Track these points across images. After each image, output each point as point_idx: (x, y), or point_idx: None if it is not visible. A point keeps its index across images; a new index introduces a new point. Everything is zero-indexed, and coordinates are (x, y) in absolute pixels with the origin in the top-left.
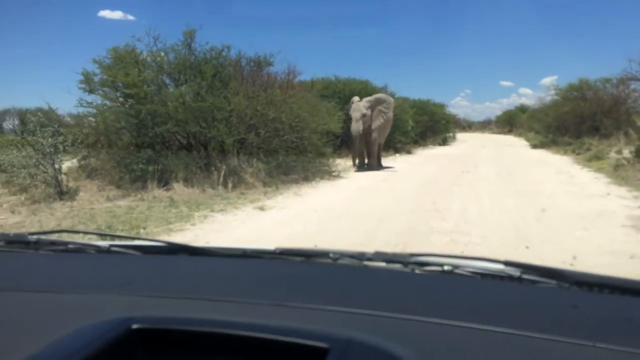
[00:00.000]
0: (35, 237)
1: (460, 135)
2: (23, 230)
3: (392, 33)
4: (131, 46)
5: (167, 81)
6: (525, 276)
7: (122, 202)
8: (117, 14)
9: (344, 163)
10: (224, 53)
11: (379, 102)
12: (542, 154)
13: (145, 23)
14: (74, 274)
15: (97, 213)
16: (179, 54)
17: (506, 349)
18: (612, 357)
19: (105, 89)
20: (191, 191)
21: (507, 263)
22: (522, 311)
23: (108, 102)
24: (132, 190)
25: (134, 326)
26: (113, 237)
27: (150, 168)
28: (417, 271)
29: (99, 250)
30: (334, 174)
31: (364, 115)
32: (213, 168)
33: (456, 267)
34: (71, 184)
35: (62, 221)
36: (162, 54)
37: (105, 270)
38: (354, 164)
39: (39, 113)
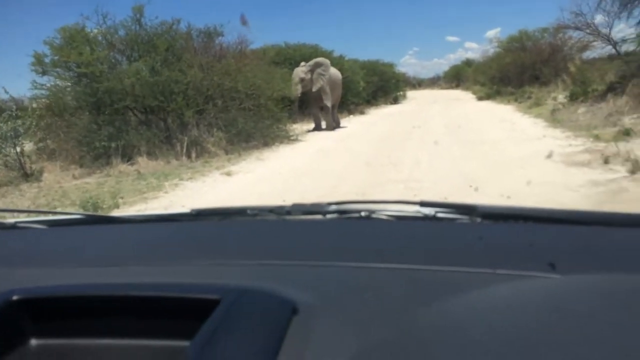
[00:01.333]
0: None
1: (411, 93)
2: None
3: None
4: (81, 25)
5: (120, 58)
6: (440, 214)
7: (90, 180)
8: None
9: (300, 127)
10: (174, 27)
11: (317, 65)
12: (487, 105)
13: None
14: None
15: (68, 191)
16: (129, 30)
17: (404, 283)
18: (510, 281)
19: (57, 69)
20: (156, 164)
21: (422, 204)
22: (429, 247)
23: (60, 83)
24: (96, 167)
25: (15, 297)
26: (34, 213)
27: (113, 144)
28: (335, 219)
29: (3, 227)
30: (292, 138)
31: (302, 80)
32: (175, 140)
33: (373, 212)
34: (34, 166)
35: (34, 200)
36: (112, 30)
37: (5, 245)
38: (314, 126)
39: None
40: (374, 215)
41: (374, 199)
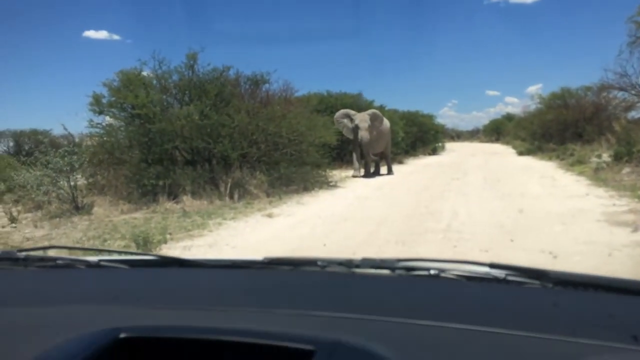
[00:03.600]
0: (24, 253)
1: (449, 145)
2: (52, 242)
3: (373, 44)
4: (138, 69)
5: (172, 101)
6: (510, 278)
7: (137, 215)
8: (102, 34)
9: (339, 174)
10: (224, 74)
11: (375, 117)
12: (528, 161)
13: (130, 42)
14: (61, 289)
15: (117, 224)
16: (182, 76)
17: (484, 345)
18: (593, 352)
19: (113, 110)
20: (200, 203)
21: (492, 265)
22: (503, 311)
23: (115, 122)
24: (143, 204)
25: (122, 335)
26: (103, 252)
27: (160, 182)
28: (404, 276)
29: (89, 265)
30: (331, 183)
31: (369, 127)
32: (219, 181)
33: (442, 270)
34: (85, 200)
35: (86, 233)
36: (167, 75)
37: (94, 284)
38: (364, 172)
39: (47, 134)
40: (443, 275)
41: (442, 258)
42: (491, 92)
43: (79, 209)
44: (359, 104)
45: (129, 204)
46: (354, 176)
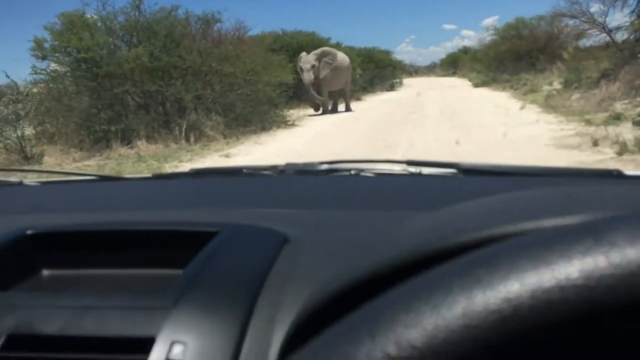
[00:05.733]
0: None
1: (407, 81)
2: None
3: None
4: (81, 11)
5: (119, 44)
6: (425, 171)
7: (90, 162)
8: None
9: (298, 113)
10: (172, 13)
11: (324, 54)
12: (483, 92)
13: None
14: None
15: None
16: (129, 17)
17: (378, 224)
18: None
19: (57, 55)
20: (155, 147)
21: (409, 162)
22: (407, 196)
23: (60, 68)
24: (96, 151)
25: (29, 232)
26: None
27: (113, 128)
28: (325, 177)
29: (10, 184)
30: (289, 122)
31: (312, 67)
32: (173, 124)
33: (362, 170)
34: (34, 150)
35: None
36: (112, 17)
37: (14, 198)
38: (316, 110)
39: None
40: (362, 174)
41: (363, 159)
42: (448, 26)
43: (28, 159)
44: (315, 42)
45: (81, 151)
46: (312, 114)
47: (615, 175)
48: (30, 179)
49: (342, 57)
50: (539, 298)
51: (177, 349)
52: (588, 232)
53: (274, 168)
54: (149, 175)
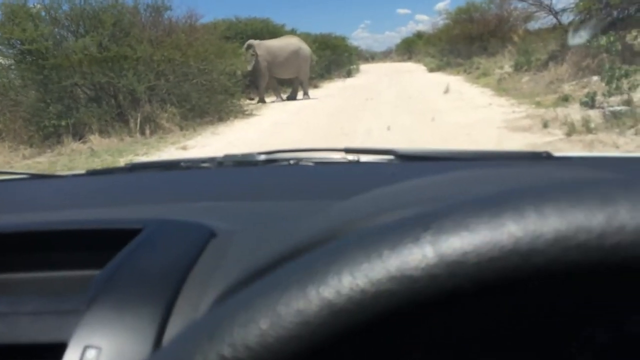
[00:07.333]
0: None
1: (364, 67)
2: None
3: None
4: (22, 0)
5: (66, 34)
6: (363, 159)
7: (41, 159)
8: None
9: (254, 102)
10: (120, 1)
11: (248, 47)
12: (437, 76)
13: None
14: None
15: (20, 170)
16: (73, 5)
17: (311, 214)
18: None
19: (0, 47)
20: (109, 141)
21: (347, 150)
22: (341, 185)
23: (3, 61)
24: (47, 146)
25: None
26: None
27: (63, 122)
28: (263, 167)
29: None
30: (247, 112)
31: (251, 56)
32: (128, 117)
33: (300, 159)
34: None
35: None
36: (56, 5)
37: None
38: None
39: None
40: (301, 163)
41: (302, 148)
42: (402, 11)
43: None
44: (270, 29)
45: (30, 148)
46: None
47: (544, 157)
48: None
49: (304, 46)
50: (368, 291)
51: (91, 354)
52: (420, 221)
53: (212, 160)
54: (83, 171)
